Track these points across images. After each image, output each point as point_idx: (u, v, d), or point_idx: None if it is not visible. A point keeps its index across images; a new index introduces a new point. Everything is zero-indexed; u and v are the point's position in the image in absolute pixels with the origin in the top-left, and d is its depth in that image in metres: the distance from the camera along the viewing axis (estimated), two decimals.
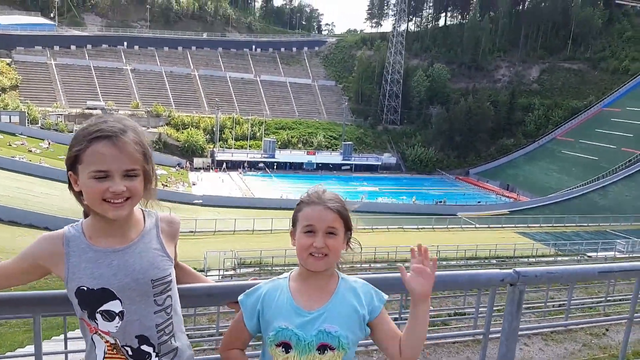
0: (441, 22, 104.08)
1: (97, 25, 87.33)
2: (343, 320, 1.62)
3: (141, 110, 69.08)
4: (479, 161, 73.80)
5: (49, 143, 53.43)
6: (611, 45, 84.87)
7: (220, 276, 23.11)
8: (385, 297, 1.68)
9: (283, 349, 1.61)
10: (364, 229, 35.68)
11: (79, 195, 1.55)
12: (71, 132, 60.21)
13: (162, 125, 66.53)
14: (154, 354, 1.61)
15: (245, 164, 64.70)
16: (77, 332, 11.47)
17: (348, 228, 1.67)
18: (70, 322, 9.56)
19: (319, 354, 1.60)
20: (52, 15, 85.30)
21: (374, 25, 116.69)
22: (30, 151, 48.33)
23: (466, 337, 8.04)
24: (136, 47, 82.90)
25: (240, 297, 1.69)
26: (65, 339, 8.48)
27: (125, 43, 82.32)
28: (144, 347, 1.59)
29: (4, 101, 60.42)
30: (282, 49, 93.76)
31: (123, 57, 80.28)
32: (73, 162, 1.51)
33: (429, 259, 1.60)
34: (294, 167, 66.97)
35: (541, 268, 1.93)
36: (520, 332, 6.87)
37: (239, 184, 55.63)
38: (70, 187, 1.56)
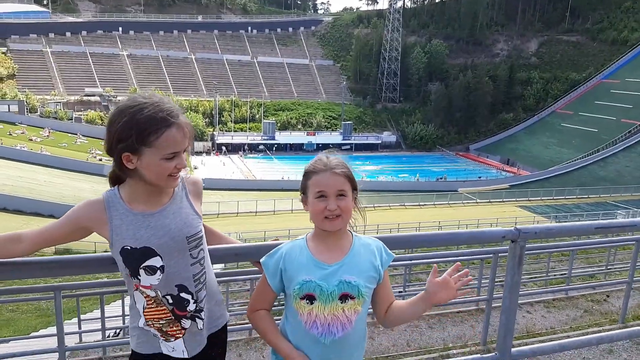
0: None
1: (91, 11, 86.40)
2: (360, 271, 1.77)
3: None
4: (479, 137, 73.70)
5: (49, 131, 53.35)
6: (609, 16, 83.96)
7: None
8: (393, 255, 1.86)
9: (307, 301, 1.74)
10: (366, 207, 35.70)
11: (125, 170, 1.73)
12: (70, 119, 60.16)
13: None
14: (192, 300, 1.82)
15: (246, 147, 64.69)
16: (90, 314, 11.71)
17: (354, 188, 1.82)
18: (82, 305, 9.78)
19: (341, 303, 1.74)
20: (45, 2, 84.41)
21: (370, 2, 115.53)
22: (31, 140, 48.31)
23: (470, 306, 8.22)
24: (131, 32, 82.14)
25: (262, 259, 1.83)
26: (79, 321, 8.73)
27: (120, 28, 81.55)
28: (183, 295, 1.80)
29: (1, 90, 60.23)
30: (279, 30, 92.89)
31: (119, 42, 79.66)
32: (140, 146, 1.68)
33: (463, 280, 1.79)
34: (294, 149, 66.94)
35: (541, 225, 2.08)
36: (522, 300, 7.09)
37: (240, 167, 55.75)
38: (117, 163, 1.74)
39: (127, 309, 10.32)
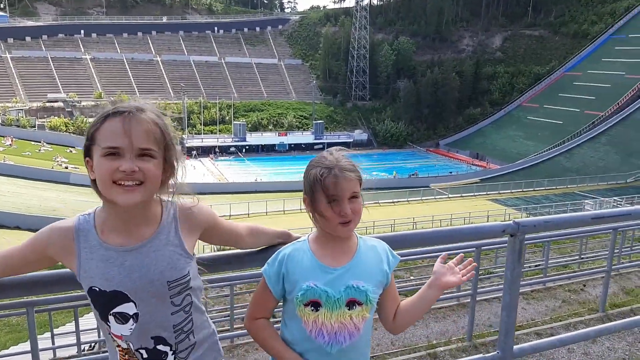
0: None
1: (52, 15, 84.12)
2: (368, 275, 1.67)
3: (105, 100, 67.30)
4: (448, 132, 74.73)
5: (12, 140, 51.73)
6: (570, 10, 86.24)
7: None
8: (398, 258, 1.76)
9: (312, 308, 1.63)
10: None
11: (95, 184, 1.45)
12: (33, 127, 58.48)
13: None
14: (170, 353, 1.53)
15: (217, 149, 64.04)
16: (63, 329, 11.33)
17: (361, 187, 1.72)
18: (54, 318, 9.43)
19: (348, 309, 1.64)
20: (1, 5, 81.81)
21: (336, 1, 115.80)
22: None
23: (451, 301, 8.24)
24: (94, 34, 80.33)
25: (263, 268, 1.71)
26: (52, 336, 8.40)
27: (82, 31, 79.60)
28: (160, 347, 1.51)
29: None
30: (245, 29, 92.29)
31: (81, 46, 77.76)
32: (89, 145, 1.43)
33: (468, 267, 1.76)
34: (266, 150, 66.61)
35: (538, 218, 2.02)
36: (501, 294, 7.04)
37: (212, 170, 55.16)
38: (92, 181, 1.46)
39: None
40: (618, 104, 63.08)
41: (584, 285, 9.11)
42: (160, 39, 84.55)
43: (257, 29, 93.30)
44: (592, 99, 66.08)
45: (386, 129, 72.21)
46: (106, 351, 8.41)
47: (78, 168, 45.37)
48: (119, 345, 1.51)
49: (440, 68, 76.99)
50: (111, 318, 1.46)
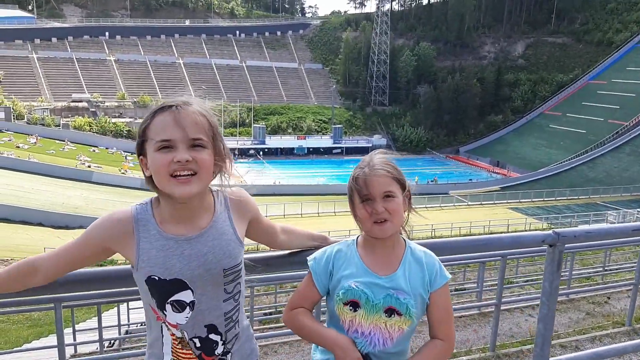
0: (425, 0, 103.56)
1: (77, 16, 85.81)
2: (410, 288, 1.63)
3: (128, 101, 68.43)
4: (468, 139, 74.12)
5: (37, 138, 52.74)
6: (594, 17, 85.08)
7: None
8: (449, 275, 1.69)
9: (351, 307, 1.62)
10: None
11: (151, 181, 1.48)
12: (58, 126, 59.59)
13: None
14: (220, 342, 1.57)
15: (236, 152, 64.45)
16: (83, 325, 11.49)
17: (404, 188, 1.68)
18: (75, 314, 9.57)
19: (386, 316, 1.62)
20: (30, 7, 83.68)
21: (357, 5, 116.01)
22: (18, 147, 47.69)
23: (471, 310, 8.15)
24: (118, 37, 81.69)
25: (310, 262, 1.71)
26: (74, 332, 8.53)
27: (107, 33, 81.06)
28: (212, 336, 1.55)
29: None
30: (267, 34, 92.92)
31: (106, 47, 79.13)
32: (142, 142, 1.47)
33: None
34: (285, 153, 66.82)
35: (578, 228, 1.99)
36: (525, 304, 6.97)
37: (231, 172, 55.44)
38: (148, 178, 1.50)
39: (123, 317, 10.14)
40: None
41: (608, 298, 8.94)
42: (183, 42, 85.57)
43: (278, 33, 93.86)
44: (617, 108, 64.93)
45: (405, 134, 71.91)
46: (127, 348, 8.48)
47: (101, 167, 46.09)
48: (173, 334, 1.54)
49: (462, 74, 76.49)
50: (168, 307, 1.49)
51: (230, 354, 1.61)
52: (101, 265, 1.60)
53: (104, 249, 1.51)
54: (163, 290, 1.48)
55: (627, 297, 8.79)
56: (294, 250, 1.87)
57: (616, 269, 13.85)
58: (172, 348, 1.56)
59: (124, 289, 1.71)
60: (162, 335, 1.56)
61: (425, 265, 1.67)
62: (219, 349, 1.58)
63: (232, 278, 1.55)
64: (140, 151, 1.49)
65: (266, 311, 11.51)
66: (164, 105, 1.47)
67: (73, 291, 1.75)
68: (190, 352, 1.55)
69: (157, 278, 1.46)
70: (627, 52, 75.26)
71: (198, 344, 1.54)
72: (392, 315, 1.62)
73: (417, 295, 1.64)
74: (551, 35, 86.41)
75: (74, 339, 8.26)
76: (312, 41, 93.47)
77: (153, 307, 1.52)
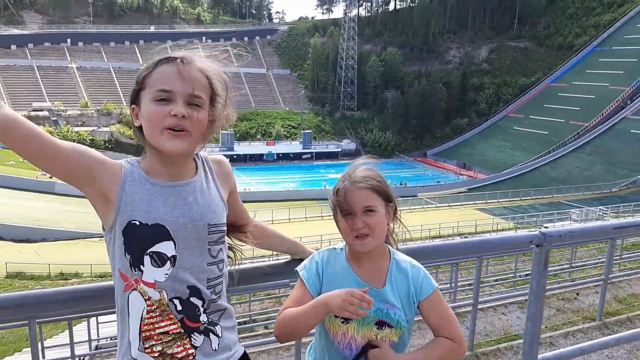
0: (391, 6, 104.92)
1: (38, 23, 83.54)
2: (399, 301, 1.62)
3: (91, 109, 66.84)
4: (435, 142, 75.30)
5: None
6: (555, 22, 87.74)
7: None
8: (435, 284, 1.65)
9: (342, 320, 1.60)
10: (329, 216, 35.86)
11: (139, 131, 1.44)
12: None
13: (113, 124, 64.58)
14: (202, 309, 1.44)
15: None
16: (50, 341, 11.10)
17: (389, 200, 1.64)
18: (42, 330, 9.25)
19: (377, 329, 1.61)
20: None
21: (325, 11, 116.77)
22: None
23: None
24: (80, 43, 79.86)
25: (300, 272, 1.67)
26: (43, 348, 8.23)
27: (68, 40, 79.14)
28: (194, 300, 1.42)
29: None
30: (234, 39, 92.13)
31: (67, 54, 77.23)
32: (138, 91, 1.42)
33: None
34: (254, 159, 66.45)
35: (563, 228, 2.03)
36: (497, 303, 7.07)
37: None
38: (137, 128, 1.46)
39: (93, 332, 9.85)
40: (602, 114, 64.15)
41: (577, 294, 9.17)
42: (148, 49, 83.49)
43: (246, 38, 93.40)
44: (577, 110, 67.11)
45: (374, 138, 72.57)
46: None
47: None
48: (149, 298, 1.39)
49: (428, 79, 77.77)
50: (147, 259, 1.37)
51: (218, 326, 1.48)
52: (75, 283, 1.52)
53: (86, 169, 1.36)
54: (143, 238, 1.37)
55: (595, 292, 9.04)
56: (273, 263, 1.82)
57: (582, 266, 14.25)
58: (143, 320, 1.39)
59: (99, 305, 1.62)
60: (128, 312, 1.40)
61: (410, 277, 1.65)
62: (204, 317, 1.44)
63: (216, 238, 1.47)
64: (135, 100, 1.44)
65: (240, 320, 11.39)
66: (170, 56, 1.42)
67: (48, 310, 1.64)
68: (172, 317, 1.40)
69: (137, 223, 1.36)
70: (586, 56, 77.93)
71: (179, 307, 1.40)
72: (383, 328, 1.61)
73: (406, 308, 1.62)
74: (514, 40, 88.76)
75: (43, 356, 7.98)
76: (279, 47, 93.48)
77: (124, 272, 1.39)
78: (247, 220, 1.73)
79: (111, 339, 10.11)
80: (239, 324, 10.28)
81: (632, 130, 59.13)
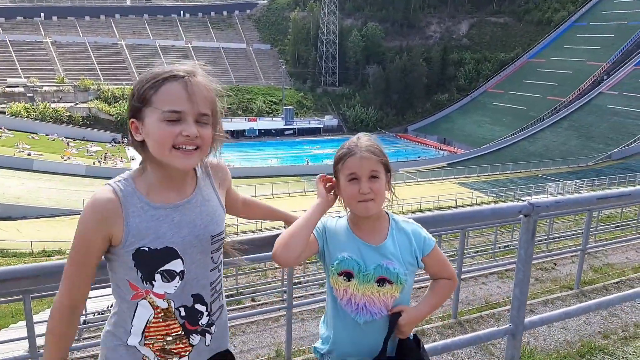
0: None
1: None
2: (399, 257, 1.74)
3: (67, 85, 65.30)
4: (416, 117, 75.57)
5: None
6: None
7: None
8: (433, 240, 1.81)
9: (345, 278, 1.72)
10: (312, 192, 36.05)
11: (140, 145, 1.46)
12: None
13: (91, 100, 63.29)
14: (205, 313, 1.56)
15: None
16: (37, 317, 11.14)
17: (387, 170, 1.77)
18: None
19: (378, 285, 1.72)
20: None
21: None
22: None
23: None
24: (55, 17, 77.46)
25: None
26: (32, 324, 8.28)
27: (42, 14, 76.68)
28: (198, 306, 1.54)
29: None
30: (213, 13, 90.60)
31: (41, 29, 74.93)
32: (141, 106, 1.43)
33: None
34: (235, 135, 65.88)
35: (550, 199, 2.18)
36: (478, 273, 7.33)
37: None
38: (132, 138, 1.48)
39: (89, 305, 9.90)
40: (579, 90, 65.04)
41: (555, 264, 9.52)
42: (124, 23, 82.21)
43: (225, 12, 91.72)
44: (555, 85, 67.89)
45: (356, 114, 72.51)
46: (86, 338, 8.29)
47: (41, 154, 44.07)
48: (157, 307, 1.49)
49: (409, 54, 77.55)
50: (157, 277, 1.46)
51: (214, 325, 1.61)
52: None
53: (103, 239, 1.44)
54: (153, 261, 1.45)
55: (571, 262, 9.41)
56: (265, 235, 1.92)
57: (559, 237, 14.68)
58: (148, 323, 1.51)
59: None
60: (134, 314, 1.50)
61: (412, 234, 1.78)
62: (204, 320, 1.57)
63: (217, 246, 1.58)
64: (136, 114, 1.45)
65: (228, 294, 11.56)
66: (176, 74, 1.44)
67: (44, 284, 1.71)
68: (174, 322, 1.51)
69: (147, 249, 1.43)
70: (564, 31, 78.47)
71: (183, 313, 1.52)
72: (384, 284, 1.72)
73: (406, 263, 1.75)
74: (494, 15, 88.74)
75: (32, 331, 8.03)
76: (259, 21, 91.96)
77: (134, 283, 1.47)
78: (236, 201, 1.86)
79: (99, 314, 10.17)
80: (227, 297, 10.48)
81: (608, 105, 60.17)
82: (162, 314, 1.50)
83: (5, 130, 51.45)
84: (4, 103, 58.84)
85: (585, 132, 57.47)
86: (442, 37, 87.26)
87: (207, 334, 1.59)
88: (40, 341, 7.25)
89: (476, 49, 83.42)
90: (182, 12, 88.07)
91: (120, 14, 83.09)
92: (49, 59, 70.87)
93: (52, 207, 30.84)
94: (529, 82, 71.56)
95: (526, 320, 2.31)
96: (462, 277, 8.34)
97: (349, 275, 1.72)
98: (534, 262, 9.65)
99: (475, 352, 5.09)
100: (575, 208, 4.14)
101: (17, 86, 62.56)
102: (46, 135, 54.24)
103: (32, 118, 56.73)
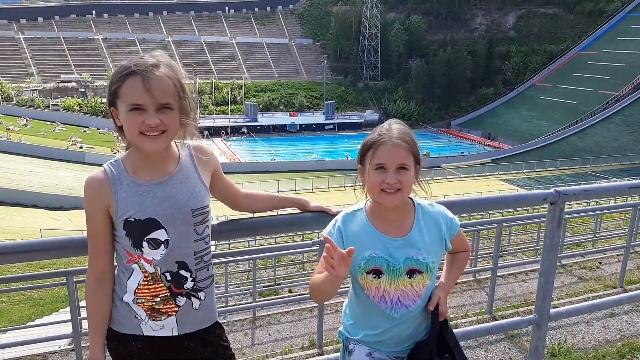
0: None
1: None
2: (427, 245, 1.70)
3: None
4: (460, 112, 74.15)
5: (27, 120, 52.24)
6: None
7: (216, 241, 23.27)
8: (458, 223, 1.80)
9: (374, 276, 1.68)
10: (351, 187, 36.07)
11: (120, 130, 1.64)
12: (47, 107, 58.94)
13: None
14: (190, 278, 1.72)
15: (228, 130, 64.11)
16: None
17: (417, 162, 1.71)
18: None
19: (409, 278, 1.69)
20: None
21: None
22: (8, 129, 47.24)
23: (468, 276, 8.38)
24: (105, 15, 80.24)
25: (327, 234, 1.72)
26: (78, 308, 8.66)
27: (94, 11, 79.61)
28: (182, 272, 1.71)
29: None
30: (256, 9, 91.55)
31: (93, 26, 77.77)
32: (113, 98, 1.61)
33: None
34: (277, 130, 66.60)
35: (578, 187, 2.13)
36: (517, 270, 7.16)
37: (224, 150, 55.33)
38: (115, 124, 1.66)
39: None
40: (633, 83, 62.11)
41: (600, 263, 9.19)
42: (171, 19, 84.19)
43: (268, 8, 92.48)
44: (607, 79, 65.10)
45: (397, 109, 71.82)
46: None
47: (92, 147, 45.81)
48: (145, 271, 1.69)
49: (453, 47, 76.11)
50: (145, 244, 1.66)
51: (202, 292, 1.76)
52: None
53: (102, 212, 1.67)
54: (139, 230, 1.65)
55: (617, 261, 9.06)
56: (296, 214, 1.97)
57: (606, 236, 14.14)
58: (139, 285, 1.70)
59: None
60: (130, 277, 1.70)
61: (440, 218, 1.77)
62: (189, 284, 1.73)
63: (200, 219, 1.71)
64: (112, 103, 1.63)
65: (266, 284, 11.75)
66: (136, 69, 1.57)
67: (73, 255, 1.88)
68: (161, 285, 1.70)
69: (132, 220, 1.64)
70: (617, 22, 75.09)
71: (169, 277, 1.70)
72: (415, 275, 1.70)
73: (435, 250, 1.73)
74: (542, 6, 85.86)
75: (79, 314, 8.39)
76: (302, 16, 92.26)
77: (127, 249, 1.69)
78: (236, 194, 1.96)
79: None
80: (265, 286, 10.65)
81: None
82: (150, 277, 1.69)
83: (59, 124, 53.72)
84: (58, 98, 61.47)
85: (638, 127, 54.89)
86: (488, 29, 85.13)
87: (193, 298, 1.74)
88: (85, 324, 7.59)
89: (524, 42, 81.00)
90: (226, 8, 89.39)
91: (168, 11, 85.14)
92: (100, 55, 73.47)
93: None
94: (580, 75, 68.90)
95: (552, 311, 2.28)
96: (500, 273, 8.20)
97: (378, 272, 1.68)
98: (576, 260, 9.37)
99: (509, 348, 5.01)
100: (605, 197, 4.01)
101: (70, 81, 65.24)
102: (97, 129, 56.35)
103: (84, 112, 59.06)
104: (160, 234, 1.65)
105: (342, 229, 1.72)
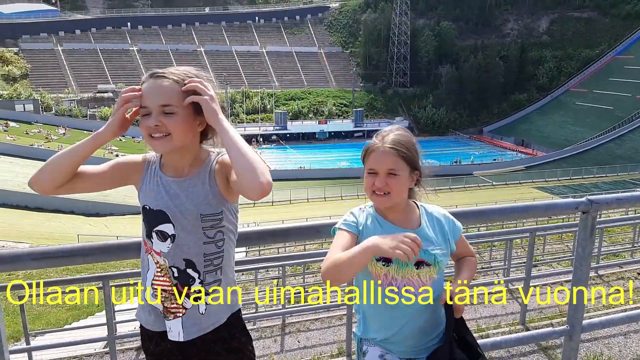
0: None
1: (99, 8, 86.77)
2: (435, 240, 1.79)
3: None
4: (492, 118, 73.03)
5: (65, 129, 53.88)
6: None
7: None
8: (460, 225, 1.89)
9: (383, 263, 1.75)
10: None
11: None
12: (85, 117, 60.70)
13: None
14: (197, 280, 1.76)
15: (259, 138, 64.77)
16: (121, 306, 11.91)
17: (414, 168, 1.78)
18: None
19: (417, 269, 1.76)
20: (53, 0, 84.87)
21: None
22: (47, 138, 48.85)
23: (500, 287, 8.23)
24: (140, 27, 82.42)
25: (341, 225, 1.80)
26: (114, 312, 8.86)
27: (128, 24, 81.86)
28: (190, 271, 1.76)
29: (16, 90, 60.82)
30: (286, 18, 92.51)
31: (128, 38, 79.95)
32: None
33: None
34: (306, 138, 66.88)
35: (611, 195, 2.09)
36: (552, 280, 6.96)
37: None
38: None
39: None
40: None
41: (638, 274, 8.91)
42: (203, 30, 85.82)
43: (297, 17, 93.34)
44: None
45: (427, 115, 71.23)
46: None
47: (127, 155, 46.89)
48: (157, 262, 1.78)
49: (484, 53, 75.14)
50: (154, 235, 1.76)
51: (210, 296, 1.78)
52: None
53: (122, 177, 1.83)
54: (151, 219, 1.76)
55: None
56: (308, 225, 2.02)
57: None
58: (154, 277, 1.79)
59: None
60: (149, 265, 1.81)
61: (443, 219, 1.86)
62: (196, 286, 1.77)
63: (211, 224, 1.76)
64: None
65: (295, 291, 11.80)
66: (147, 77, 1.70)
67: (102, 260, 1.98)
68: (169, 280, 1.77)
69: (148, 207, 1.77)
70: None
71: (176, 274, 1.77)
72: (422, 267, 1.77)
73: (442, 246, 1.80)
74: (576, 10, 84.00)
75: (114, 319, 8.58)
76: (331, 24, 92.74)
77: (144, 238, 1.81)
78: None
79: None
80: (295, 294, 10.70)
81: None
82: (160, 269, 1.78)
83: None
84: (95, 107, 63.27)
85: None
86: (520, 34, 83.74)
87: (199, 301, 1.78)
88: (119, 328, 7.76)
89: (557, 46, 79.34)
90: (257, 18, 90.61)
91: (200, 22, 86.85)
92: (135, 66, 75.37)
93: (136, 205, 32.59)
94: (616, 80, 66.98)
95: (585, 322, 2.23)
96: (534, 283, 8.03)
97: (387, 260, 1.75)
98: (613, 270, 9.10)
99: None
100: (639, 205, 3.87)
101: (107, 92, 67.12)
102: (132, 137, 57.66)
103: None
104: (167, 228, 1.74)
105: (357, 219, 1.82)
